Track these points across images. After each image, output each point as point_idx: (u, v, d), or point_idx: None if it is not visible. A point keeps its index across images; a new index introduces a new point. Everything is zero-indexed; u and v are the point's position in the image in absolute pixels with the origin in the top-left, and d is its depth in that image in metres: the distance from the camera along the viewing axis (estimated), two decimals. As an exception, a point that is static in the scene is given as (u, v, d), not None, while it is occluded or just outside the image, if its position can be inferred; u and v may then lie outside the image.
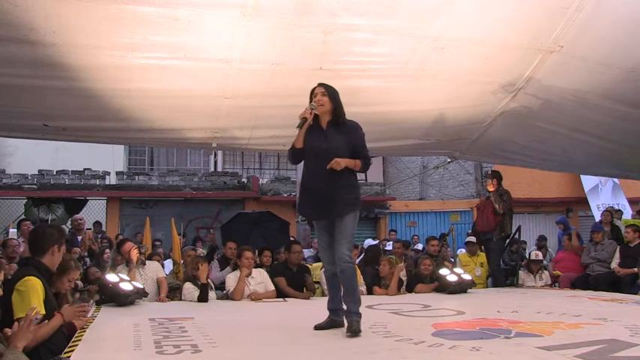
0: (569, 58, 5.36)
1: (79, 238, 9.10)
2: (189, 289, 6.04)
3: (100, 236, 11.44)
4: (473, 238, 8.19)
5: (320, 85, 4.12)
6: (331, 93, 4.06)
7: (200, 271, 6.12)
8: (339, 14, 4.65)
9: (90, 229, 11.97)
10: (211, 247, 10.06)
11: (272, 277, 6.52)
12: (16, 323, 3.07)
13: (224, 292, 6.32)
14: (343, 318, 3.99)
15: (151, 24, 4.48)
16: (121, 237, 11.05)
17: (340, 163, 3.90)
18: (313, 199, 4.08)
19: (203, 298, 5.91)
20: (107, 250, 8.65)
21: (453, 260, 8.80)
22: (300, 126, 4.00)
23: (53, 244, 3.77)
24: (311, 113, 3.99)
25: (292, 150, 4.12)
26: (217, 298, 6.27)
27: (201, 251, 9.63)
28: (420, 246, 11.72)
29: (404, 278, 7.08)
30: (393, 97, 5.88)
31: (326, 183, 3.95)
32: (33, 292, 3.44)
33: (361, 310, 3.94)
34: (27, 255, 5.38)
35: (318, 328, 3.99)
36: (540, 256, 8.18)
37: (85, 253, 8.64)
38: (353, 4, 4.62)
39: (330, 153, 3.93)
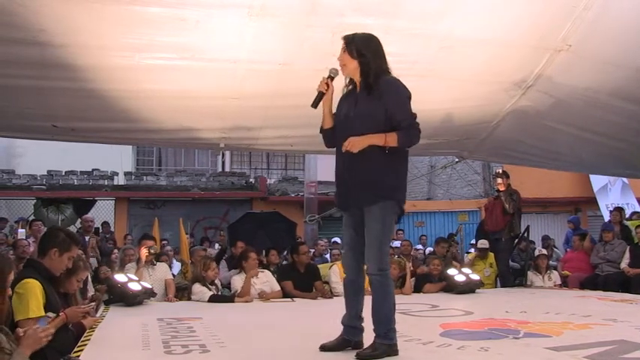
0: (578, 57, 5.33)
1: (87, 238, 9.15)
2: (200, 289, 6.05)
3: (107, 236, 11.51)
4: (486, 244, 8.11)
5: (342, 39, 3.25)
6: (353, 44, 3.19)
7: (210, 271, 6.15)
8: (347, 14, 4.64)
9: (97, 227, 12.02)
10: (222, 249, 10.10)
11: (279, 280, 6.54)
12: (31, 326, 3.07)
13: (231, 292, 6.34)
14: (361, 338, 3.35)
15: (158, 25, 4.49)
16: (130, 237, 11.14)
17: (355, 143, 3.08)
18: (338, 184, 3.33)
19: (218, 300, 5.93)
20: (115, 251, 8.70)
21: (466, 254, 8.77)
22: (314, 104, 3.27)
23: (53, 246, 3.73)
24: (327, 83, 3.26)
25: (320, 131, 3.38)
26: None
27: (211, 251, 9.68)
28: (419, 247, 11.72)
29: (412, 278, 7.08)
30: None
31: (348, 164, 3.17)
32: (31, 295, 3.44)
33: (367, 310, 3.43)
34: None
35: (323, 348, 3.32)
36: (544, 251, 8.14)
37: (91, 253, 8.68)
38: (361, 4, 4.62)
39: (353, 125, 3.13)
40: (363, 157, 3.12)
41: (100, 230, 12.06)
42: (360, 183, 3.19)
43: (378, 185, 3.16)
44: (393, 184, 3.20)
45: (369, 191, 3.16)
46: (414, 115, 3.16)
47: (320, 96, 3.26)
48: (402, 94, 3.19)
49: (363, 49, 3.19)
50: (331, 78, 3.28)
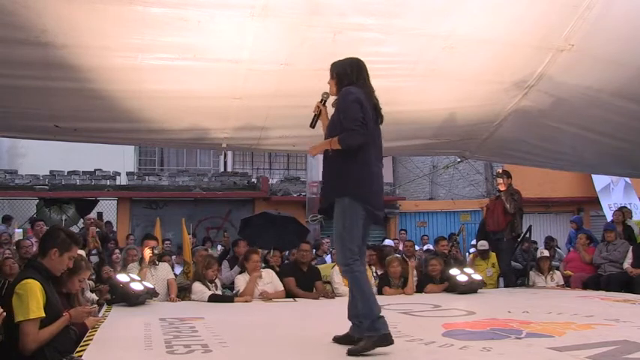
0: (580, 57, 5.32)
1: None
2: (200, 289, 6.06)
3: (110, 235, 11.52)
4: (485, 245, 8.10)
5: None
6: (332, 69, 3.68)
7: (210, 270, 6.15)
8: (349, 14, 4.65)
9: (100, 212, 11.93)
10: (224, 249, 10.11)
11: (281, 278, 6.53)
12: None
13: (233, 292, 6.34)
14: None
15: (160, 25, 4.50)
16: (132, 237, 11.15)
17: (311, 150, 3.66)
18: None
19: (218, 299, 5.93)
20: (116, 251, 8.71)
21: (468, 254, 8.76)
22: (312, 124, 3.75)
23: (53, 247, 3.71)
24: (319, 106, 3.75)
25: None
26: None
27: (212, 252, 9.68)
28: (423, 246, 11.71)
29: (415, 278, 7.07)
30: (403, 97, 5.85)
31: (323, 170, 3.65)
32: (31, 295, 3.43)
33: None
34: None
35: (334, 339, 3.57)
36: (546, 253, 8.08)
37: (94, 251, 8.69)
38: (362, 4, 4.62)
39: (325, 135, 3.62)
40: (324, 163, 3.58)
41: (96, 227, 12.00)
42: (325, 185, 3.66)
43: (329, 185, 3.59)
44: (340, 183, 3.45)
45: (324, 192, 3.64)
46: (355, 118, 3.37)
47: (314, 117, 3.74)
48: (347, 100, 3.45)
49: (339, 70, 3.64)
50: (324, 101, 3.73)
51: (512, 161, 8.87)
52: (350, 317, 3.49)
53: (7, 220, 10.95)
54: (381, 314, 3.30)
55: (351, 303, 3.50)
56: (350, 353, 3.20)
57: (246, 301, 5.97)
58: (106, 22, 4.40)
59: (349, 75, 3.60)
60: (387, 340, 3.22)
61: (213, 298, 5.91)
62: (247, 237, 8.18)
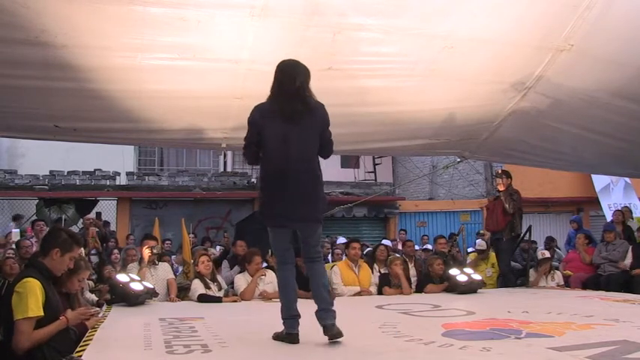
0: (580, 57, 5.32)
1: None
2: (194, 287, 6.06)
3: (108, 235, 11.52)
4: (483, 245, 8.11)
5: None
6: None
7: (201, 264, 6.13)
8: (349, 14, 4.64)
9: (99, 212, 11.84)
10: (224, 250, 10.12)
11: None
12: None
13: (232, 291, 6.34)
14: (331, 331, 3.57)
15: (160, 25, 4.49)
16: (132, 237, 11.15)
17: None
18: None
19: (206, 299, 5.91)
20: (115, 251, 8.71)
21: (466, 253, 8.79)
22: None
23: (54, 247, 3.72)
24: None
25: None
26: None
27: (213, 252, 9.69)
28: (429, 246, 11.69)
29: (413, 278, 7.06)
30: (403, 97, 5.85)
31: None
32: (31, 293, 3.44)
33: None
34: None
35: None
36: (547, 254, 8.06)
37: (94, 251, 8.69)
38: (362, 4, 4.61)
39: None
40: None
41: (96, 227, 12.01)
42: None
43: None
44: None
45: None
46: (245, 141, 3.86)
47: None
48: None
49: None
50: None
51: (512, 161, 8.87)
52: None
53: (18, 218, 10.91)
54: (294, 316, 3.69)
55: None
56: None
57: (234, 301, 5.97)
58: (106, 22, 4.40)
59: (271, 90, 3.82)
60: (292, 339, 3.61)
61: (201, 298, 5.90)
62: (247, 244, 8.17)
